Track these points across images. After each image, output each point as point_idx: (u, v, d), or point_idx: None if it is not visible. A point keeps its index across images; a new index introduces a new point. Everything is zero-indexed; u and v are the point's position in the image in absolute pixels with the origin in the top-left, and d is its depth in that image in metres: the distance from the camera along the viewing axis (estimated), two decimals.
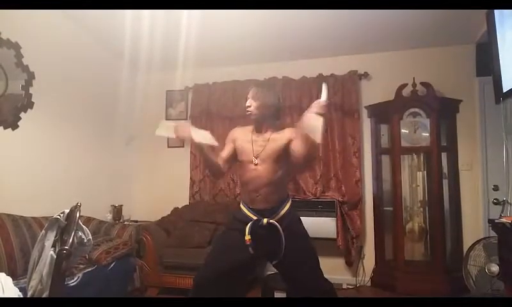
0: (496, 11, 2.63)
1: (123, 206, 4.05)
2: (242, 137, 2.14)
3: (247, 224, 2.00)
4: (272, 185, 2.04)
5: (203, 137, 2.04)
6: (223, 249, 2.09)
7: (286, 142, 2.03)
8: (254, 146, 2.07)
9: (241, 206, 2.13)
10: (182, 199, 4.39)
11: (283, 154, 2.04)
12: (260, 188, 2.04)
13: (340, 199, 3.92)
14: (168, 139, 4.63)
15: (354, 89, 4.09)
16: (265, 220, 2.01)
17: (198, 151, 2.10)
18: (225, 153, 2.16)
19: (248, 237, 1.98)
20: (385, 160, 4.06)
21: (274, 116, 2.14)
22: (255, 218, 2.02)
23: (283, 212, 2.06)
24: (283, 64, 4.31)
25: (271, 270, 3.29)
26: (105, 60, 4.15)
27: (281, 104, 2.28)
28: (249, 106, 2.10)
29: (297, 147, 1.92)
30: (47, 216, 2.20)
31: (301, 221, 2.17)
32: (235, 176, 4.22)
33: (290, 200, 2.14)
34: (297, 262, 2.02)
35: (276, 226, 2.00)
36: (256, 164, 2.03)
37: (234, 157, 2.17)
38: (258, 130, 2.12)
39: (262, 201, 2.04)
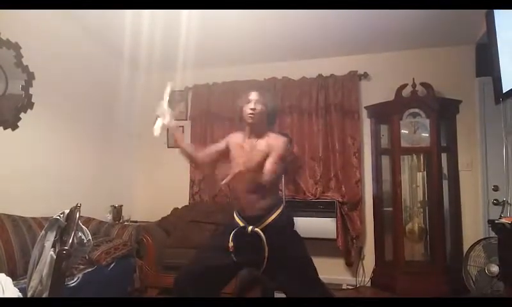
0: (496, 11, 2.63)
1: (123, 206, 4.04)
2: (238, 142, 2.09)
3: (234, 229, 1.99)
4: (258, 192, 1.99)
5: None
6: (206, 251, 2.09)
7: (268, 151, 1.98)
8: (242, 151, 2.04)
9: (234, 212, 2.12)
10: (181, 199, 4.39)
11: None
12: (247, 195, 2.00)
13: (340, 199, 3.92)
14: (167, 139, 4.65)
15: (354, 89, 4.09)
16: (249, 228, 1.96)
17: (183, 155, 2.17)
18: (212, 148, 2.19)
19: (230, 244, 1.95)
20: (385, 160, 4.06)
21: (270, 121, 2.12)
22: (241, 225, 2.00)
23: (269, 220, 2.00)
24: (283, 64, 4.31)
25: None
26: (105, 60, 4.15)
27: (279, 108, 2.27)
28: (254, 109, 2.03)
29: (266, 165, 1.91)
30: (47, 216, 2.19)
31: (293, 226, 2.12)
32: None
33: (282, 207, 2.08)
34: (286, 272, 1.97)
35: (260, 234, 1.95)
36: (243, 171, 1.92)
37: (218, 157, 2.16)
38: (251, 135, 2.08)
39: (249, 208, 2.01)
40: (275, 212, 2.03)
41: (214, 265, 1.99)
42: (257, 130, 2.07)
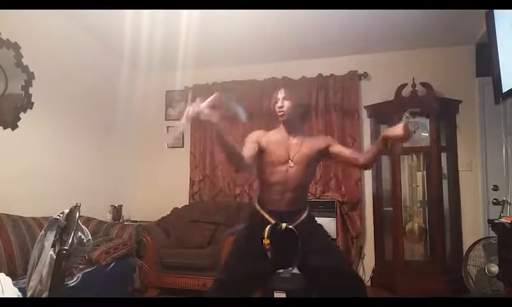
0: (495, 11, 2.63)
1: (123, 206, 4.05)
2: (271, 138, 2.05)
3: (265, 227, 1.93)
4: (300, 189, 2.02)
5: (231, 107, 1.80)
6: (245, 255, 2.00)
7: (321, 149, 2.03)
8: (287, 147, 2.02)
9: (257, 207, 2.05)
10: (181, 199, 4.39)
11: (314, 160, 2.04)
12: (289, 191, 1.98)
13: (339, 199, 3.92)
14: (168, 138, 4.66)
15: (354, 89, 4.09)
16: (283, 225, 1.94)
17: (217, 136, 1.77)
18: (250, 151, 1.99)
19: (266, 241, 1.90)
20: (385, 160, 4.05)
21: (303, 117, 2.15)
22: (273, 221, 1.95)
23: (302, 217, 2.01)
24: (283, 64, 4.31)
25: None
26: (105, 60, 4.14)
27: (311, 104, 2.25)
28: (282, 106, 2.04)
29: (340, 150, 2.05)
30: (47, 216, 2.19)
31: (318, 223, 2.13)
32: (236, 178, 4.27)
33: (308, 207, 2.09)
34: (323, 260, 1.97)
35: (294, 231, 1.94)
36: (291, 166, 1.98)
37: (257, 157, 2.06)
38: (289, 131, 2.06)
39: (285, 204, 1.99)
40: (306, 210, 2.05)
41: (257, 272, 1.96)
42: (292, 126, 2.07)
